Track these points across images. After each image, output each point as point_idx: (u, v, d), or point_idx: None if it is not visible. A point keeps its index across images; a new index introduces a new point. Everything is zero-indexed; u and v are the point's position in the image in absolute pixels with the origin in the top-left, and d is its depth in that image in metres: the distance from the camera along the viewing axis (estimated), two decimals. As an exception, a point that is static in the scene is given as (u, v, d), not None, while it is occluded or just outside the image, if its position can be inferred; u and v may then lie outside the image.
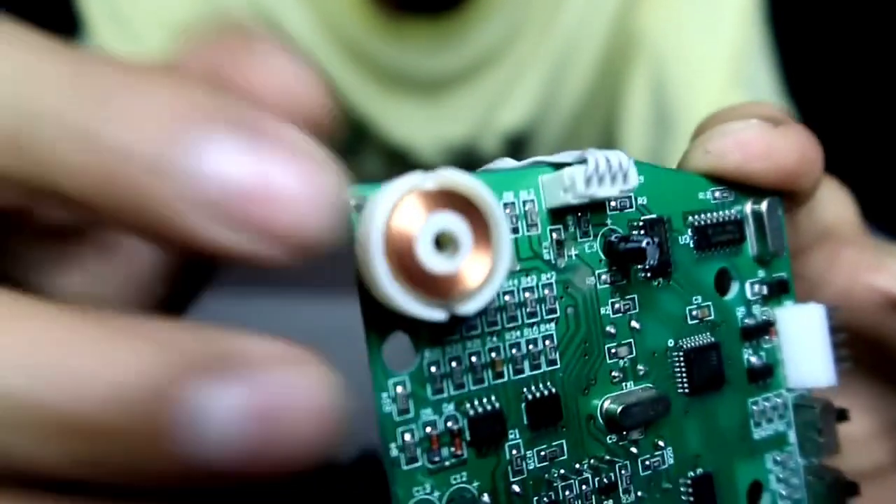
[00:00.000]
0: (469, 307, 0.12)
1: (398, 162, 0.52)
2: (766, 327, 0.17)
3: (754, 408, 0.17)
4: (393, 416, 0.13)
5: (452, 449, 0.13)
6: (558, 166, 0.14)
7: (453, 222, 0.12)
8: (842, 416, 0.17)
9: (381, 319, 0.13)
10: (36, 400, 0.09)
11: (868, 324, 0.19)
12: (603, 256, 0.15)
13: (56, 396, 0.09)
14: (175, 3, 0.47)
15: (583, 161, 0.14)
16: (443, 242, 0.12)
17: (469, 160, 0.52)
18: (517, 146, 0.52)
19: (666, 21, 0.47)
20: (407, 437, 0.13)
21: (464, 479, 0.13)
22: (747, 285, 0.17)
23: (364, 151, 0.52)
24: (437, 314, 0.12)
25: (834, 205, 0.19)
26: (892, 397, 0.20)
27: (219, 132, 0.10)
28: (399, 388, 0.13)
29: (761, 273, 0.17)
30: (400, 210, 0.12)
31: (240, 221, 0.09)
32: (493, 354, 0.14)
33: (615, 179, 0.14)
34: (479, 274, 0.12)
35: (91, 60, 0.10)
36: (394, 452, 0.13)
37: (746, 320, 0.17)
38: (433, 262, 0.12)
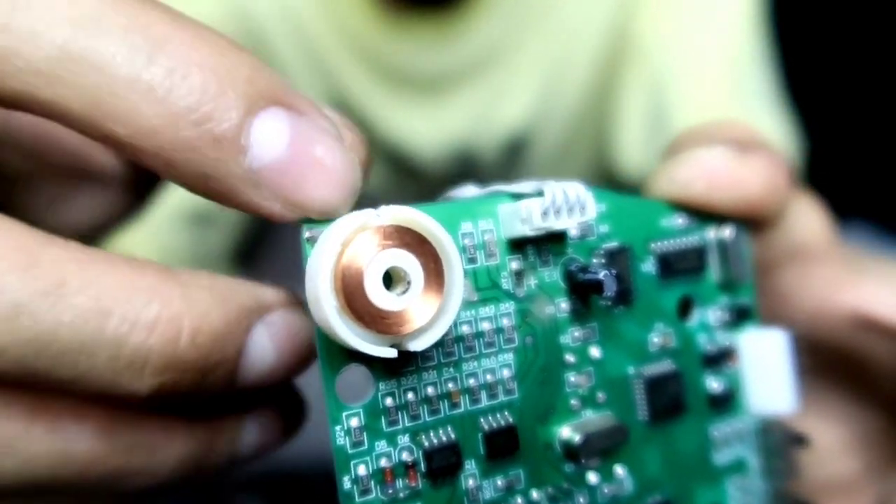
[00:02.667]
0: (419, 344, 0.12)
1: (396, 160, 0.52)
2: (728, 353, 0.17)
3: (715, 434, 0.17)
4: (346, 448, 0.13)
5: (407, 481, 0.13)
6: (518, 196, 0.14)
7: (404, 259, 0.12)
8: (802, 441, 0.17)
9: (334, 352, 0.13)
10: (133, 342, 0.12)
11: (840, 341, 0.19)
12: (563, 285, 0.15)
13: (148, 338, 0.12)
14: (194, 3, 0.47)
15: (540, 193, 0.14)
16: (394, 279, 0.12)
17: (467, 159, 0.52)
18: (516, 146, 0.52)
19: (664, 26, 0.47)
20: (361, 469, 0.13)
21: (418, 510, 0.13)
22: (710, 311, 0.17)
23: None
24: (385, 351, 0.12)
25: (806, 222, 0.19)
26: (863, 410, 0.20)
27: (270, 110, 0.12)
28: (353, 421, 0.13)
29: (724, 299, 0.17)
30: (350, 246, 0.12)
31: (279, 193, 0.12)
32: (450, 385, 0.14)
33: (572, 211, 0.14)
34: (430, 311, 0.12)
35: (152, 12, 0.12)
36: (347, 485, 0.13)
37: (708, 346, 0.17)
38: (382, 298, 0.12)
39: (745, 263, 0.17)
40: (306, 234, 0.12)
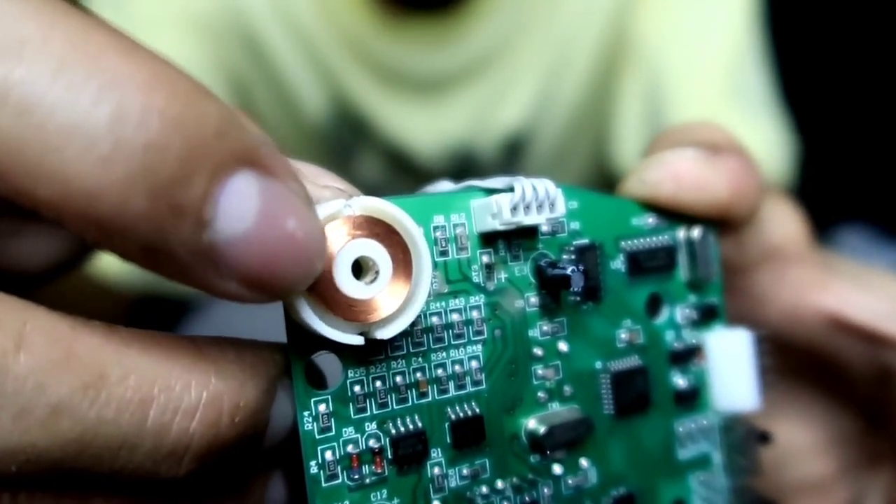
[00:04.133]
0: (386, 332, 0.12)
1: (396, 160, 0.52)
2: (695, 351, 0.17)
3: (680, 429, 0.17)
4: (314, 434, 0.13)
5: (373, 467, 0.14)
6: (490, 191, 0.15)
7: (373, 248, 0.12)
8: (764, 438, 0.18)
9: (303, 339, 0.13)
10: (175, 431, 0.11)
11: (813, 342, 0.19)
12: (533, 280, 0.15)
13: (190, 425, 0.11)
14: (189, 1, 0.46)
15: (510, 189, 0.14)
16: (363, 268, 0.12)
17: (467, 159, 0.52)
18: (514, 146, 0.52)
19: (661, 27, 0.48)
20: (328, 454, 0.13)
21: (384, 496, 0.14)
22: (678, 310, 0.17)
23: (362, 150, 0.52)
24: (353, 338, 0.12)
25: (781, 223, 0.20)
26: (837, 411, 0.21)
27: (240, 174, 0.10)
28: (321, 407, 0.13)
29: (692, 298, 0.17)
30: (321, 235, 0.12)
31: (240, 272, 0.10)
32: (419, 375, 0.14)
33: (542, 208, 0.14)
34: (397, 300, 0.12)
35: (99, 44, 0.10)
36: (314, 470, 0.13)
37: (675, 344, 0.17)
38: (350, 287, 0.12)
39: (712, 264, 0.17)
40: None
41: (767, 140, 0.47)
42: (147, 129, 0.09)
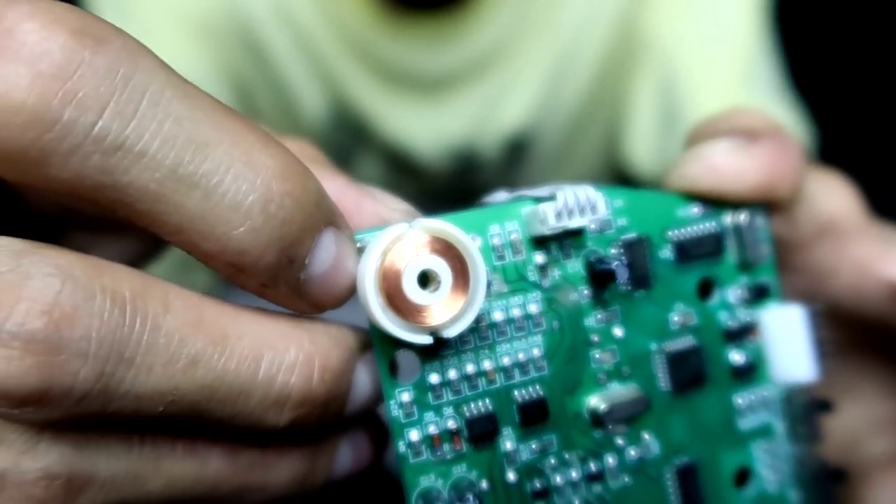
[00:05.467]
0: (451, 331, 0.15)
1: (396, 161, 0.52)
2: (750, 328, 0.18)
3: (739, 401, 0.18)
4: (400, 419, 0.16)
5: (452, 445, 0.16)
6: (539, 200, 0.16)
7: (435, 262, 0.14)
8: (825, 406, 0.18)
9: (385, 341, 0.15)
10: (279, 382, 0.14)
11: (879, 314, 0.20)
12: (585, 275, 0.17)
13: (290, 378, 0.14)
14: (188, 1, 0.47)
15: (553, 197, 0.16)
16: (428, 278, 0.14)
17: (468, 159, 0.52)
18: (518, 144, 0.52)
19: (673, 21, 0.47)
20: (413, 435, 0.16)
21: (464, 469, 0.16)
22: (729, 291, 0.18)
23: (364, 150, 0.52)
24: (422, 338, 0.14)
25: (835, 198, 0.20)
26: None
27: (327, 231, 0.14)
28: (405, 396, 0.16)
29: (744, 279, 0.18)
30: (390, 253, 0.14)
31: (312, 298, 0.14)
32: (486, 364, 0.16)
33: (584, 211, 0.16)
34: (458, 305, 0.14)
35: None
36: (402, 449, 0.16)
37: (729, 323, 0.18)
38: (417, 295, 0.14)
39: (761, 245, 0.18)
40: (358, 244, 0.15)
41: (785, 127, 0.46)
42: (284, 207, 0.13)
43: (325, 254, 0.14)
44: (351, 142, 0.52)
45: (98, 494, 0.13)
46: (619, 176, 0.52)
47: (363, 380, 0.15)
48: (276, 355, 0.14)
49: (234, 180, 0.12)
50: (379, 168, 0.53)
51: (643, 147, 0.48)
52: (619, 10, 0.49)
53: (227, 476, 0.15)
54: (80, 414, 0.12)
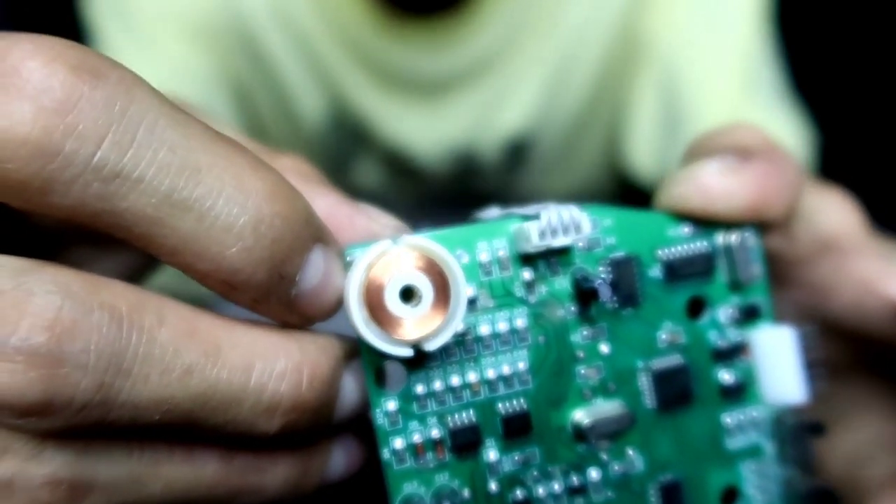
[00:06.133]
0: (432, 345, 0.15)
1: (396, 164, 0.52)
2: (740, 348, 0.19)
3: (728, 420, 0.18)
4: (385, 426, 0.16)
5: (436, 454, 0.16)
6: (527, 218, 0.17)
7: (417, 278, 0.15)
8: (818, 430, 0.18)
9: (372, 350, 0.16)
10: (270, 390, 0.15)
11: (881, 332, 0.20)
12: (572, 291, 0.17)
13: (280, 386, 0.15)
14: (188, 6, 0.47)
15: (536, 216, 0.16)
16: (409, 294, 0.15)
17: (468, 162, 0.52)
18: (518, 147, 0.52)
19: (674, 25, 0.47)
20: (398, 443, 0.16)
21: (446, 478, 0.17)
22: (720, 310, 0.19)
23: (363, 153, 0.53)
24: (403, 351, 0.15)
25: (835, 214, 0.20)
26: None
27: (316, 248, 0.15)
28: (390, 405, 0.16)
29: (735, 298, 0.19)
30: (374, 268, 0.15)
31: (302, 311, 0.15)
32: (471, 377, 0.17)
33: (567, 231, 0.16)
34: (438, 320, 0.15)
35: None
36: (386, 456, 0.16)
37: (719, 342, 0.18)
38: (399, 310, 0.15)
39: (753, 265, 0.18)
40: (347, 259, 0.16)
41: (788, 133, 0.45)
42: (274, 227, 0.14)
43: (315, 270, 0.15)
44: (350, 145, 0.53)
45: (100, 498, 0.14)
46: (619, 179, 0.52)
47: (351, 387, 0.16)
48: (266, 364, 0.14)
49: (226, 203, 0.13)
50: (378, 171, 0.54)
51: (644, 150, 0.48)
52: (619, 13, 0.48)
53: (222, 479, 0.15)
54: (82, 423, 0.13)
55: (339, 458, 0.17)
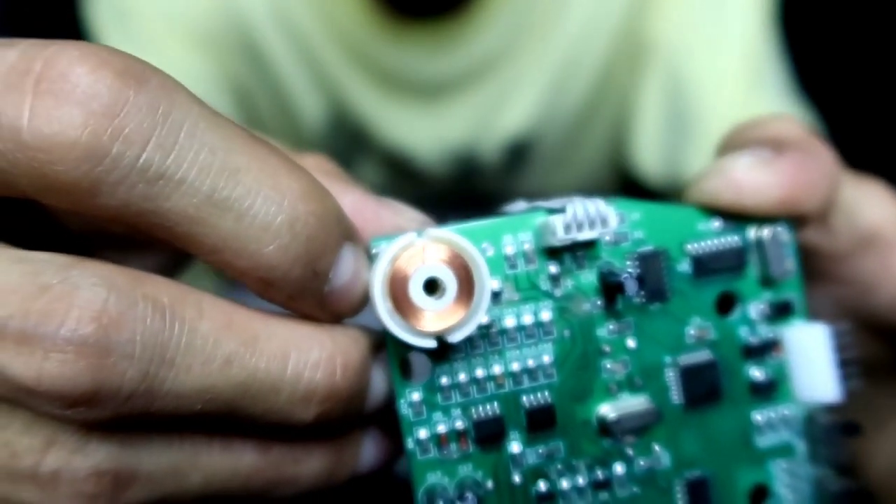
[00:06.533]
0: (455, 336, 0.15)
1: (396, 166, 0.52)
2: (771, 345, 0.18)
3: (758, 418, 0.18)
4: (410, 417, 0.16)
5: (459, 445, 0.17)
6: (552, 211, 0.17)
7: (441, 271, 0.15)
8: (852, 430, 0.18)
9: (397, 342, 0.16)
10: (306, 379, 0.15)
11: None
12: (598, 285, 0.17)
13: (315, 375, 0.15)
14: (188, 9, 0.47)
15: (562, 209, 0.16)
16: (433, 286, 0.15)
17: (468, 164, 0.51)
18: (517, 151, 0.51)
19: (679, 25, 0.46)
20: (422, 433, 0.16)
21: (470, 469, 0.17)
22: (751, 306, 0.18)
23: (363, 155, 0.53)
24: (427, 342, 0.15)
25: (876, 207, 0.20)
26: None
27: (347, 246, 0.15)
28: (415, 396, 0.16)
29: (767, 294, 0.18)
30: (398, 261, 0.15)
31: (332, 308, 0.15)
32: (496, 369, 0.17)
33: (594, 224, 0.16)
34: (462, 312, 0.15)
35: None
36: (410, 446, 0.16)
37: (750, 339, 0.18)
38: (423, 302, 0.15)
39: (786, 260, 0.18)
40: (373, 251, 0.16)
41: None
42: (308, 225, 0.14)
43: (346, 267, 0.15)
44: (351, 147, 0.53)
45: (143, 489, 0.14)
46: (621, 179, 0.52)
47: (379, 379, 0.16)
48: (301, 354, 0.15)
49: (264, 203, 0.14)
50: (379, 173, 0.54)
51: (649, 150, 0.48)
52: (622, 14, 0.48)
53: (260, 470, 0.16)
54: (127, 413, 0.13)
55: (369, 450, 0.18)
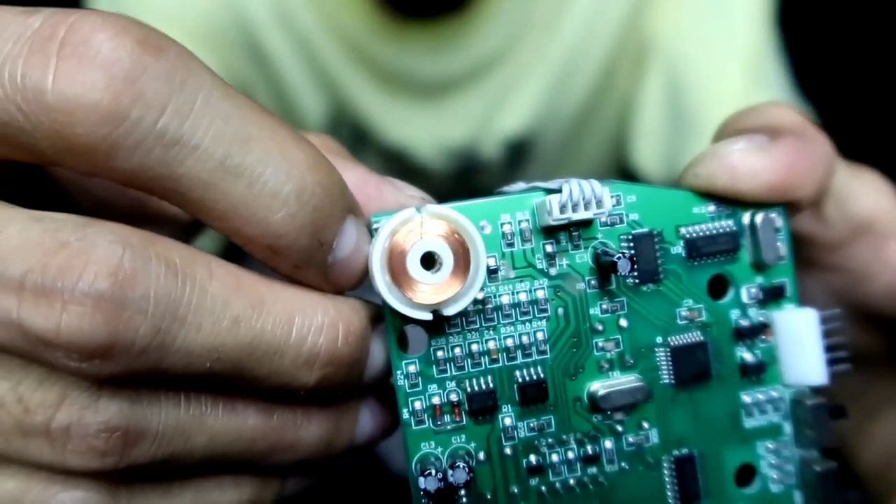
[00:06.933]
0: (450, 310, 0.16)
1: (397, 165, 0.52)
2: (762, 328, 0.19)
3: (746, 399, 0.19)
4: (405, 388, 0.17)
5: (453, 416, 0.17)
6: (549, 191, 0.17)
7: (438, 245, 0.15)
8: (838, 412, 0.18)
9: (395, 314, 0.17)
10: (309, 342, 0.15)
11: None
12: (592, 265, 0.18)
13: (319, 339, 0.15)
14: (189, 8, 0.48)
15: (559, 190, 0.17)
16: (431, 260, 0.16)
17: (469, 163, 0.52)
18: (517, 150, 0.51)
19: (679, 24, 0.46)
20: (416, 404, 0.17)
21: (462, 440, 0.17)
22: (743, 290, 0.19)
23: (363, 153, 0.53)
24: (422, 314, 0.16)
25: (871, 196, 0.20)
26: None
27: (350, 218, 0.15)
28: (411, 367, 0.17)
29: (759, 279, 0.19)
30: (397, 234, 0.15)
31: (335, 280, 0.16)
32: (490, 344, 0.17)
33: (588, 205, 0.17)
34: (458, 285, 0.15)
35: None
36: (405, 416, 0.17)
37: (741, 321, 0.19)
38: (420, 275, 0.15)
39: (778, 246, 0.18)
40: (374, 226, 0.16)
41: None
42: (315, 195, 0.14)
43: (349, 238, 0.16)
44: (351, 146, 0.51)
45: (151, 447, 0.15)
46: (622, 177, 0.52)
47: (378, 349, 0.17)
48: (305, 318, 0.15)
49: (274, 171, 0.14)
50: (379, 171, 0.53)
51: (650, 149, 0.48)
52: (622, 13, 0.48)
53: (262, 433, 0.16)
54: (139, 368, 0.14)
55: (366, 420, 0.18)
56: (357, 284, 0.16)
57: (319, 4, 0.49)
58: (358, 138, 0.53)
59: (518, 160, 0.53)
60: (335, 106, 0.52)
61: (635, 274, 0.18)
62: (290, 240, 0.14)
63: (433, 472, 0.17)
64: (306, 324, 0.15)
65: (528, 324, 0.17)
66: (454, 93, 0.50)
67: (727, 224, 0.18)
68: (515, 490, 0.17)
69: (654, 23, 0.48)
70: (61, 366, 0.13)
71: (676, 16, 0.47)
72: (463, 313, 0.16)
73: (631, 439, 0.18)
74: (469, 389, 0.17)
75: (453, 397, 0.17)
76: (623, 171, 0.52)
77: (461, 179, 0.53)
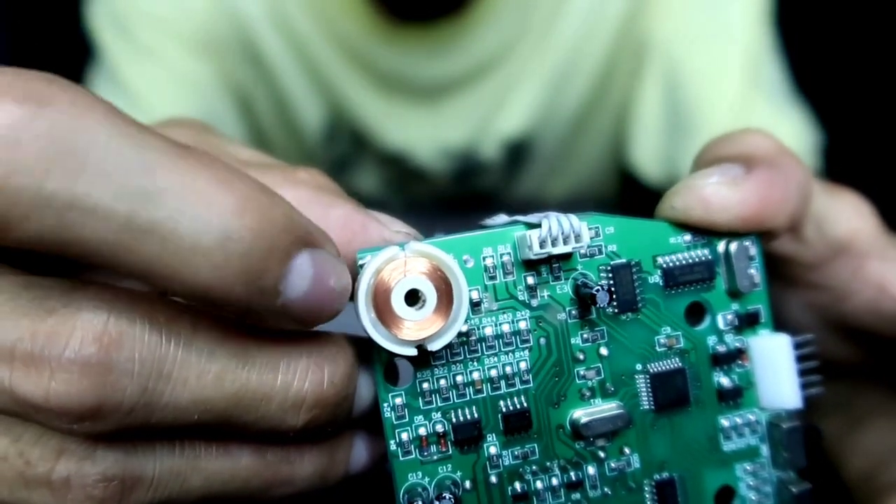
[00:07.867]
0: (435, 345, 0.16)
1: (396, 168, 0.52)
2: (738, 354, 0.19)
3: (724, 423, 0.19)
4: (392, 420, 0.17)
5: (439, 447, 0.17)
6: (531, 226, 0.18)
7: (421, 283, 0.16)
8: (813, 434, 0.19)
9: (381, 349, 0.17)
10: (295, 387, 0.15)
11: None
12: (573, 296, 0.18)
13: (304, 384, 0.15)
14: (187, 14, 0.48)
15: (539, 225, 0.17)
16: (414, 297, 0.16)
17: (468, 165, 0.52)
18: (517, 151, 0.52)
19: (677, 25, 0.47)
20: (404, 436, 0.17)
21: (449, 469, 0.18)
22: (719, 317, 0.19)
23: (363, 157, 0.53)
24: (407, 350, 0.16)
25: (849, 216, 0.21)
26: None
27: (300, 255, 0.14)
28: (397, 400, 0.17)
29: (735, 306, 0.19)
30: (382, 273, 0.16)
31: (299, 319, 0.15)
32: (475, 375, 0.18)
33: (567, 239, 0.17)
34: (441, 322, 0.16)
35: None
36: (392, 447, 0.17)
37: (718, 347, 0.19)
38: (404, 312, 0.16)
39: (750, 274, 0.19)
40: (359, 263, 0.17)
41: (791, 132, 0.45)
42: (242, 242, 0.13)
43: (300, 276, 0.14)
44: (350, 150, 0.53)
45: (147, 492, 0.15)
46: (620, 179, 0.53)
47: (366, 384, 0.17)
48: (290, 364, 0.15)
49: (191, 223, 0.13)
50: (378, 175, 0.54)
51: (648, 150, 0.48)
52: (621, 15, 0.49)
53: (257, 472, 0.16)
54: (129, 425, 0.14)
55: (360, 451, 0.18)
56: (330, 317, 0.16)
57: (317, 10, 0.49)
58: (357, 142, 0.53)
59: (517, 161, 0.53)
60: (334, 111, 0.52)
61: (615, 304, 0.18)
62: (222, 292, 0.13)
63: (420, 502, 0.17)
64: (291, 369, 0.15)
65: (511, 354, 0.18)
66: (453, 95, 0.51)
67: (703, 253, 0.19)
68: (501, 517, 0.18)
69: (652, 23, 0.48)
70: (54, 427, 0.14)
71: (674, 16, 0.48)
72: (448, 346, 0.17)
73: (613, 465, 0.18)
74: (454, 420, 0.17)
75: (439, 428, 0.17)
76: (622, 172, 0.53)
77: (461, 181, 0.53)
